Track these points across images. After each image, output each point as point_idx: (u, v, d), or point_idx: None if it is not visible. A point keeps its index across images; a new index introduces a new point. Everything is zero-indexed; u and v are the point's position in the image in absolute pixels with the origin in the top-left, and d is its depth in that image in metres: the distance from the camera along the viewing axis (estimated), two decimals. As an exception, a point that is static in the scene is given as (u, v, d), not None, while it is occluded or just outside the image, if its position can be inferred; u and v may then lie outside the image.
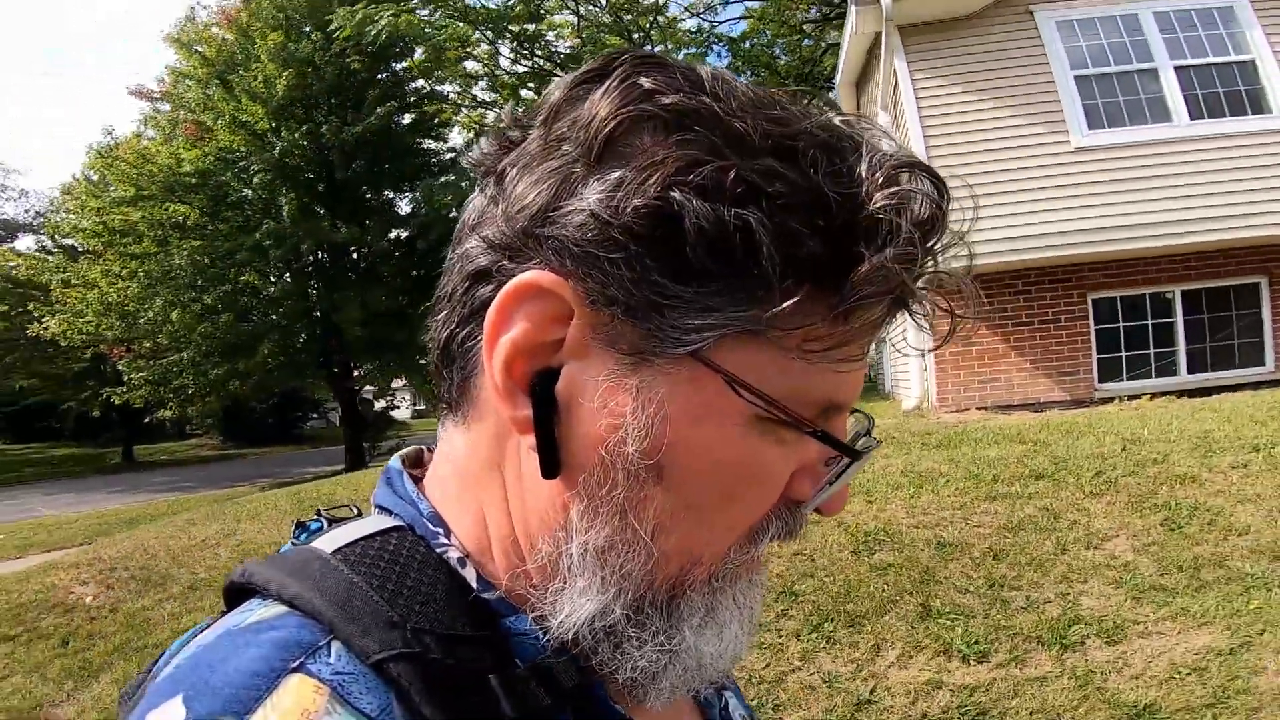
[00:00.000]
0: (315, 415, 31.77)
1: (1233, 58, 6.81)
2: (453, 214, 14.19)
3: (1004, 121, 7.02)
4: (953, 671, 3.11)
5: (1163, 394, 6.93)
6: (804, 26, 18.02)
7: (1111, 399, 7.03)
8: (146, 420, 19.29)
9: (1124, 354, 7.34)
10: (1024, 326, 7.36)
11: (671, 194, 0.37)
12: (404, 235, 17.09)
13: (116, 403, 16.18)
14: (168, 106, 16.39)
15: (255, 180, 14.39)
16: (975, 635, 3.22)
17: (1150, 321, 7.33)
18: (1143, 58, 6.89)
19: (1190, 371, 7.25)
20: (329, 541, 0.45)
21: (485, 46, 15.89)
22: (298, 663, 0.37)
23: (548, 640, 0.44)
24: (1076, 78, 6.93)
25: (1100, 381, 7.31)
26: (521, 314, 0.41)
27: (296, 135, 14.26)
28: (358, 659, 0.38)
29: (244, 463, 22.80)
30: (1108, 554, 3.54)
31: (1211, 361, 7.25)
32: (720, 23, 17.95)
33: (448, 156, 17.78)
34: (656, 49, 17.52)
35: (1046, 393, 7.30)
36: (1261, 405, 5.54)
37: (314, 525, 0.52)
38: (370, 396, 21.61)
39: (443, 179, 16.52)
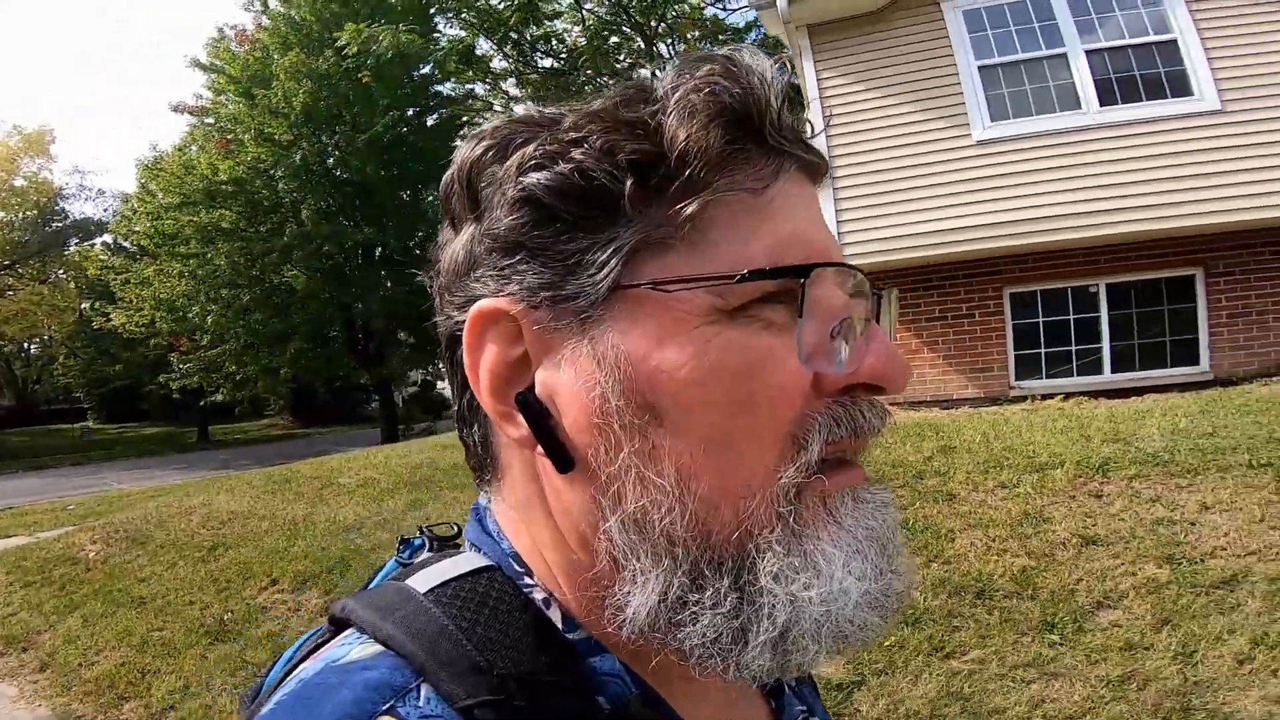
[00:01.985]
0: (377, 398, 33.51)
1: (1152, 38, 6.43)
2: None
3: (908, 117, 6.88)
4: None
5: (1084, 393, 6.69)
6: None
7: (1026, 397, 6.85)
8: (202, 404, 20.91)
9: (1043, 350, 7.11)
10: (937, 322, 7.23)
11: (522, 181, 0.43)
12: (423, 234, 17.79)
13: (174, 388, 17.66)
14: (210, 119, 17.69)
15: (280, 187, 15.38)
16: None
17: (1072, 316, 7.05)
18: (1052, 43, 6.60)
19: (1115, 370, 6.94)
20: (424, 579, 0.46)
21: (502, 49, 16.17)
22: (388, 705, 0.39)
23: (633, 637, 0.43)
24: (981, 68, 6.71)
25: (1018, 379, 7.10)
26: (484, 341, 0.45)
27: (317, 145, 15.06)
28: (446, 703, 0.39)
29: (305, 441, 24.27)
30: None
31: (1140, 359, 6.92)
32: (735, 10, 17.55)
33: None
34: (675, 42, 17.40)
35: (960, 389, 7.16)
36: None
37: (416, 541, 0.57)
38: (415, 382, 22.53)
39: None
